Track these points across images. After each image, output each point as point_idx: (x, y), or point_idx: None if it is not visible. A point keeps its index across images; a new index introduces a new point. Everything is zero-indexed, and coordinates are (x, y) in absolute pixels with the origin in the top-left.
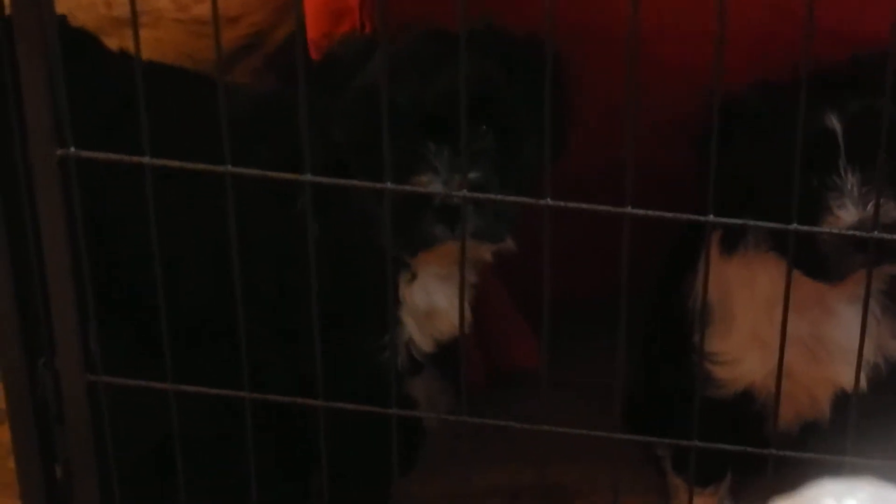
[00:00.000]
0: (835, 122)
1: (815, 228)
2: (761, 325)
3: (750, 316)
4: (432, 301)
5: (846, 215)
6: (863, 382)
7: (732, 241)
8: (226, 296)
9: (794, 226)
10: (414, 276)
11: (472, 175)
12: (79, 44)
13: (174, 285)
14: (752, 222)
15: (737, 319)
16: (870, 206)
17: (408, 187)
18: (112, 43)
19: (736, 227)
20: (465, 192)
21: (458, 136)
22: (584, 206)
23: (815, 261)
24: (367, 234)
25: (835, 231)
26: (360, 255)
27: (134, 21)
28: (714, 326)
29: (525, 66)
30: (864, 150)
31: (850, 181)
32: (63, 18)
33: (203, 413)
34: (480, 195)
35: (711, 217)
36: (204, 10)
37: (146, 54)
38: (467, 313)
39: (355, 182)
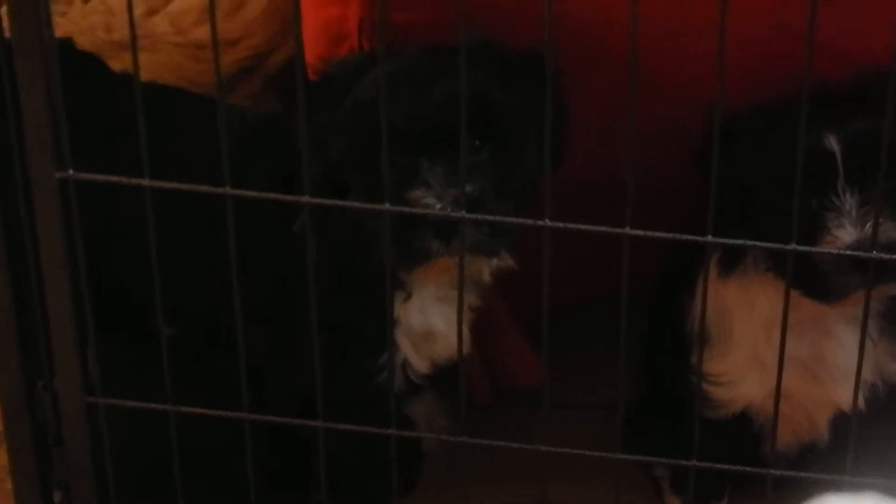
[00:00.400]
0: (833, 144)
1: (815, 248)
2: (760, 346)
3: (748, 337)
4: (429, 322)
5: (844, 235)
6: (861, 403)
7: (730, 262)
8: (225, 314)
9: (793, 246)
10: (409, 296)
11: (467, 189)
12: (83, 66)
13: (174, 303)
14: (751, 242)
15: (735, 340)
16: (868, 227)
17: (406, 208)
18: (113, 66)
19: (734, 248)
20: (463, 214)
21: (453, 151)
22: (582, 227)
23: (814, 281)
24: (363, 252)
25: (834, 252)
26: (356, 274)
27: (133, 45)
28: (712, 347)
29: (520, 79)
30: (863, 170)
31: (849, 202)
32: (69, 41)
33: (205, 429)
34: (478, 216)
35: (710, 238)
36: (203, 33)
37: (146, 77)
38: (466, 335)
39: (353, 203)
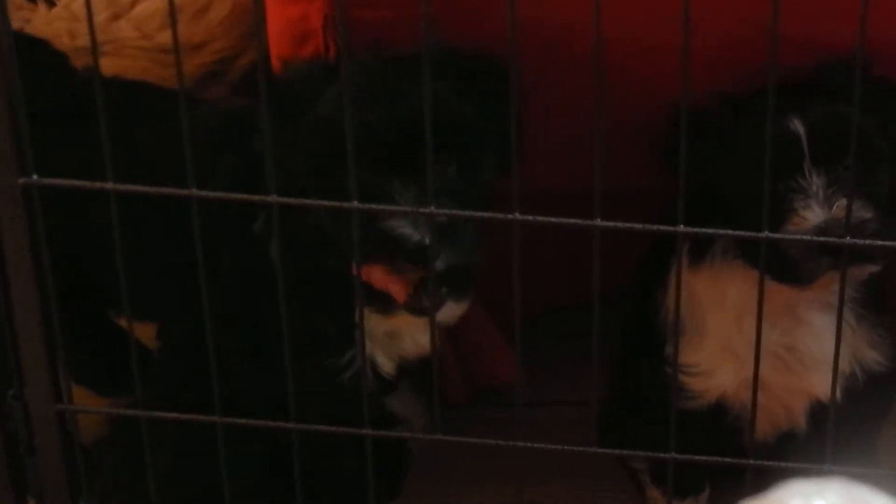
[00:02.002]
0: (798, 126)
1: (787, 236)
2: (732, 335)
3: (720, 327)
4: (391, 324)
5: (812, 216)
6: (838, 392)
7: (700, 252)
8: (193, 316)
9: (765, 233)
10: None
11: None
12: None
13: (142, 306)
14: (722, 232)
15: (707, 330)
16: (835, 207)
17: (373, 206)
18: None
19: (703, 238)
20: (431, 209)
21: (421, 166)
22: (552, 219)
23: (783, 265)
24: (324, 257)
25: (807, 238)
26: (316, 274)
27: (94, 50)
28: (685, 338)
29: (477, 84)
30: (829, 152)
31: (815, 183)
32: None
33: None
34: (447, 211)
35: (682, 228)
36: (167, 37)
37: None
38: (438, 332)
39: (320, 202)
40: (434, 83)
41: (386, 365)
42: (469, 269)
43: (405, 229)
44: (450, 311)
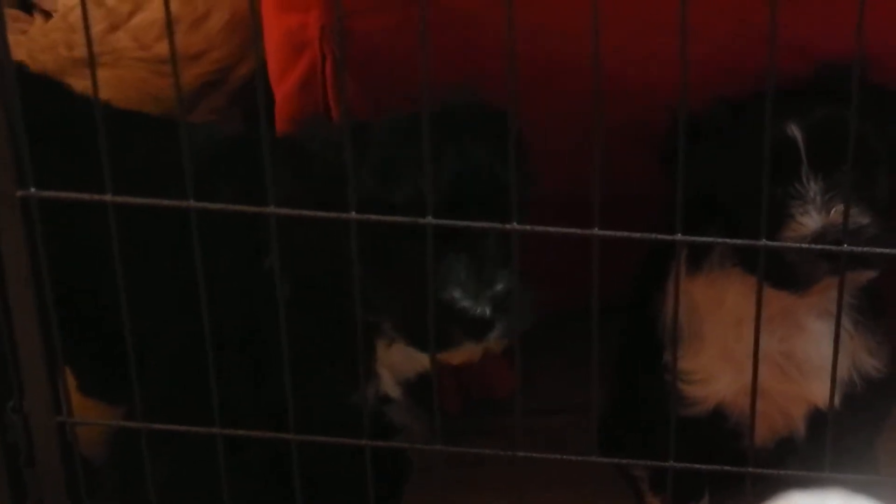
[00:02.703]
0: (795, 131)
1: (786, 244)
2: (730, 342)
3: (719, 334)
4: (413, 362)
5: (810, 222)
6: (836, 399)
7: (697, 259)
8: (196, 332)
9: (763, 241)
10: (393, 341)
11: (497, 288)
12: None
13: (144, 322)
14: (721, 240)
15: (706, 338)
16: (833, 213)
17: (372, 216)
18: (75, 83)
19: (701, 245)
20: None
21: (471, 239)
22: (551, 229)
23: (781, 271)
24: (335, 298)
25: (805, 246)
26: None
27: (92, 63)
28: (684, 345)
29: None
30: (826, 157)
31: (813, 189)
32: (20, 64)
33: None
34: (446, 222)
35: (680, 236)
36: (165, 48)
37: (108, 94)
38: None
39: (319, 213)
40: (476, 148)
41: (390, 385)
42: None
43: (465, 302)
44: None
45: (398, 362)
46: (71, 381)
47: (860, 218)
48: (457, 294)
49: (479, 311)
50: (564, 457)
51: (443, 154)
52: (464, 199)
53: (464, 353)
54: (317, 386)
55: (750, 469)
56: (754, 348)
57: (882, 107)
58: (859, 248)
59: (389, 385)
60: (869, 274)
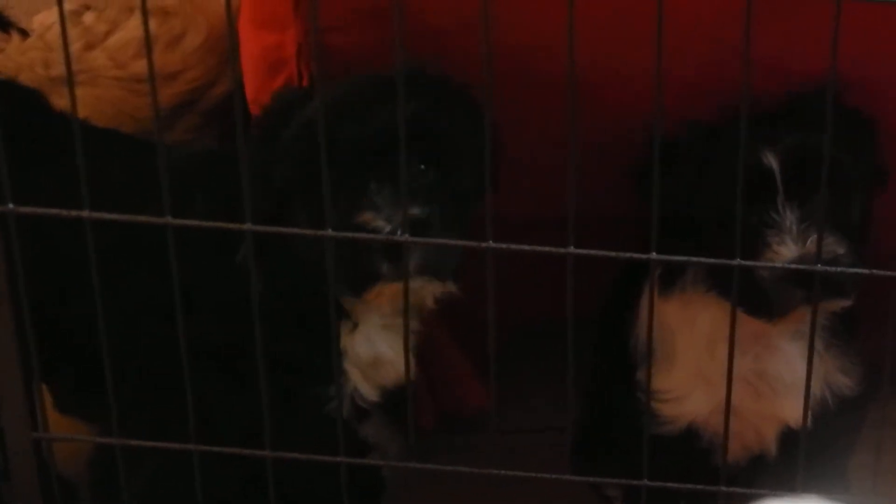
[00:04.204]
0: (771, 160)
1: (759, 263)
2: (703, 362)
3: (692, 354)
4: (376, 350)
5: (785, 251)
6: (808, 419)
7: (671, 280)
8: (171, 346)
9: (737, 261)
10: (356, 326)
11: (415, 211)
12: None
13: (119, 337)
14: (695, 259)
15: (679, 357)
16: (809, 242)
17: (349, 234)
18: (53, 102)
19: (675, 266)
20: (407, 237)
21: (398, 174)
22: (525, 247)
23: (756, 298)
24: (308, 281)
25: (779, 265)
26: (302, 304)
27: (70, 80)
28: (657, 364)
29: (453, 106)
30: (802, 186)
31: (789, 218)
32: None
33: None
34: (422, 239)
35: (654, 255)
36: (142, 67)
37: (85, 112)
38: (412, 359)
39: (296, 230)
40: (414, 99)
41: (369, 393)
42: (448, 266)
43: (378, 223)
44: (429, 286)
45: (364, 354)
46: (48, 399)
47: (836, 247)
48: (369, 216)
49: (391, 230)
50: (538, 475)
51: (385, 101)
52: (396, 141)
53: (390, 290)
54: (293, 387)
55: (722, 487)
56: (728, 368)
57: (856, 132)
58: (832, 269)
59: (363, 387)
60: (843, 302)
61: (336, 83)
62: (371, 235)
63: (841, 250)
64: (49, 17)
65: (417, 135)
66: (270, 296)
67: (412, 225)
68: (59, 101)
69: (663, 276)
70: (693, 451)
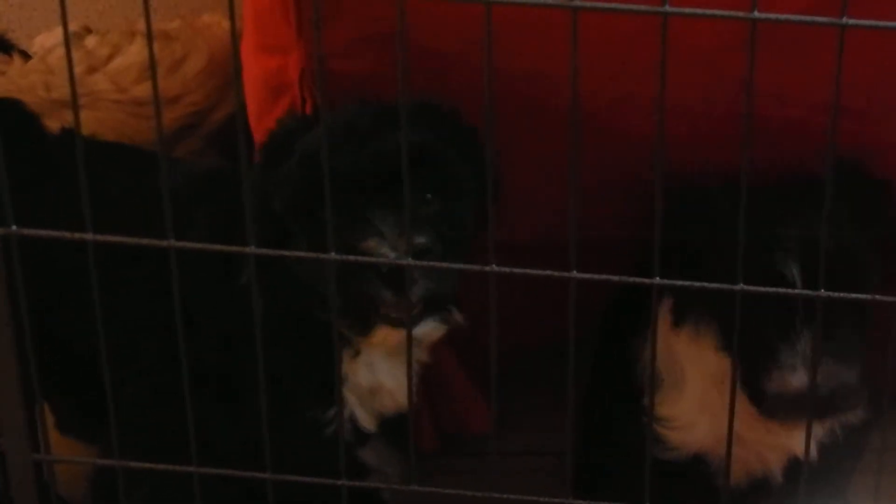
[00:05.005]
0: (795, 273)
1: (761, 289)
2: (710, 395)
3: (699, 385)
4: (377, 379)
5: (795, 380)
6: (814, 449)
7: (682, 313)
8: (172, 367)
9: (740, 286)
10: (357, 353)
11: (419, 240)
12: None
13: (120, 358)
14: (698, 284)
15: (686, 387)
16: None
17: (352, 257)
18: (53, 125)
19: (685, 301)
20: (409, 261)
21: (402, 202)
22: (528, 271)
23: (762, 396)
24: (310, 308)
25: (781, 291)
26: (303, 328)
27: (74, 103)
28: (663, 391)
29: (458, 136)
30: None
31: (804, 344)
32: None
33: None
34: (425, 263)
35: (658, 280)
36: (143, 91)
37: (86, 135)
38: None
39: (299, 253)
40: (418, 128)
41: (366, 420)
42: (449, 294)
43: (382, 250)
44: (430, 329)
45: (365, 382)
46: (50, 420)
47: (846, 377)
48: (373, 243)
49: (395, 257)
50: (540, 499)
51: (389, 130)
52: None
53: (394, 336)
54: (292, 410)
55: None
56: (731, 398)
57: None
58: (832, 293)
59: (360, 414)
60: (851, 415)
61: (339, 110)
62: (374, 259)
63: (852, 380)
64: (49, 38)
65: (420, 163)
66: (272, 318)
67: (416, 252)
68: (59, 125)
69: (676, 308)
70: (699, 476)
